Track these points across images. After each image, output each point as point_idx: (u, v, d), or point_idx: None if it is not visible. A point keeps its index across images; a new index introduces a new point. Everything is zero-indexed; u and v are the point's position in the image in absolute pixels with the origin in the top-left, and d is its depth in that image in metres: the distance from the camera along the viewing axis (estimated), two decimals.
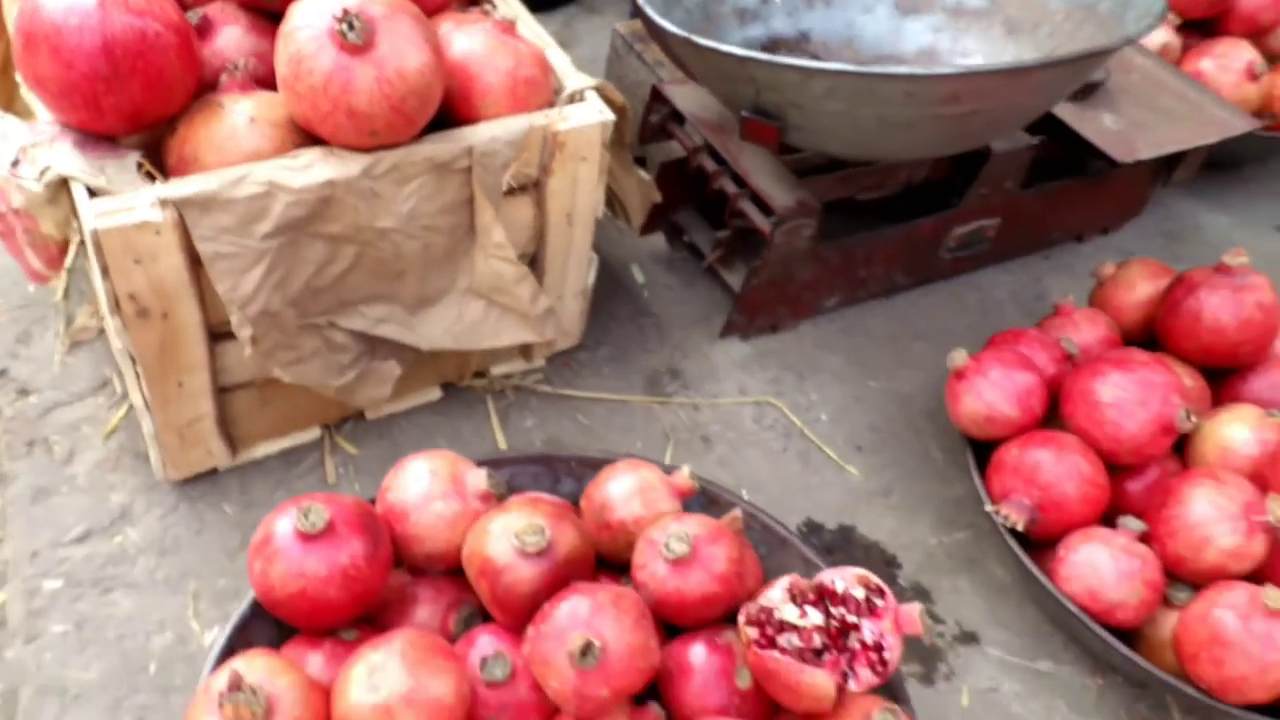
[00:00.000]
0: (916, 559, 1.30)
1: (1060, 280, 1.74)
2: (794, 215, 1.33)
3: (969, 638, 1.23)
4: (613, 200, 1.50)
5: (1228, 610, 0.99)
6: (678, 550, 0.91)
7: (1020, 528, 1.11)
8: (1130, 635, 1.11)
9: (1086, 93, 1.66)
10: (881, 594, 0.91)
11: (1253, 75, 1.80)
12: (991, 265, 1.72)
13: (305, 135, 1.09)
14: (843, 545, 1.30)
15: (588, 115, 1.19)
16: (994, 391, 1.16)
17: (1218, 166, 1.99)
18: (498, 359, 1.41)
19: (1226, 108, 1.70)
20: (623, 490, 1.02)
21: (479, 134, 1.13)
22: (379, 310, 1.21)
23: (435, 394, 1.38)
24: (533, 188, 1.22)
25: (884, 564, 1.29)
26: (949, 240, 1.59)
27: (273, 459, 1.30)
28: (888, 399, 1.49)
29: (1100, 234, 1.83)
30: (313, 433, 1.32)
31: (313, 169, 1.05)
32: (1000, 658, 1.21)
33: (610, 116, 1.20)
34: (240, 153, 1.05)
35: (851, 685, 0.90)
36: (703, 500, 1.09)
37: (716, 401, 1.45)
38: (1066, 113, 1.61)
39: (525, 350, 1.42)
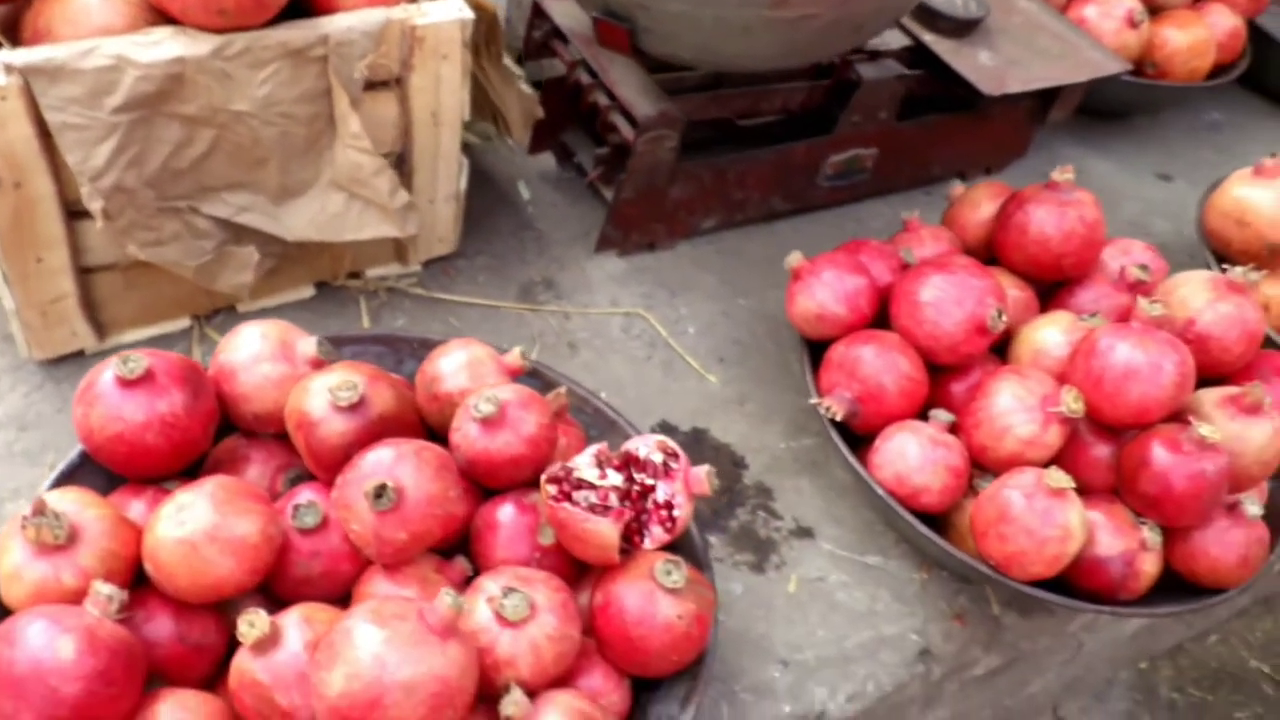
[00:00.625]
0: (764, 461, 1.36)
1: (939, 215, 1.79)
2: (656, 125, 1.37)
3: (804, 533, 1.29)
4: (496, 115, 1.54)
5: (1015, 490, 1.05)
6: (485, 410, 0.96)
7: (839, 418, 1.17)
8: (940, 524, 1.17)
9: (965, 30, 1.71)
10: (676, 458, 0.96)
11: (1132, 23, 1.85)
12: (872, 198, 1.77)
13: (159, 15, 1.12)
14: (693, 445, 1.36)
15: (447, 12, 1.22)
16: (825, 291, 1.21)
17: (1107, 115, 2.05)
18: (373, 261, 1.45)
19: (1102, 51, 1.75)
20: (452, 365, 1.06)
21: (335, 23, 1.17)
22: (242, 198, 1.24)
23: (308, 292, 1.42)
24: (395, 84, 1.26)
25: (732, 464, 1.35)
26: (826, 168, 1.64)
27: (141, 346, 1.32)
28: (755, 316, 1.55)
29: (984, 174, 1.89)
30: (182, 322, 1.35)
31: (162, 45, 1.09)
32: (831, 551, 1.27)
33: (469, 15, 1.24)
34: (92, 27, 1.08)
35: (646, 542, 0.95)
36: (538, 383, 1.14)
37: (587, 311, 1.50)
38: (943, 48, 1.66)
39: (401, 254, 1.46)
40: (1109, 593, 1.08)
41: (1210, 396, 1.13)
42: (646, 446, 0.97)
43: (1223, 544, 1.07)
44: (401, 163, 1.34)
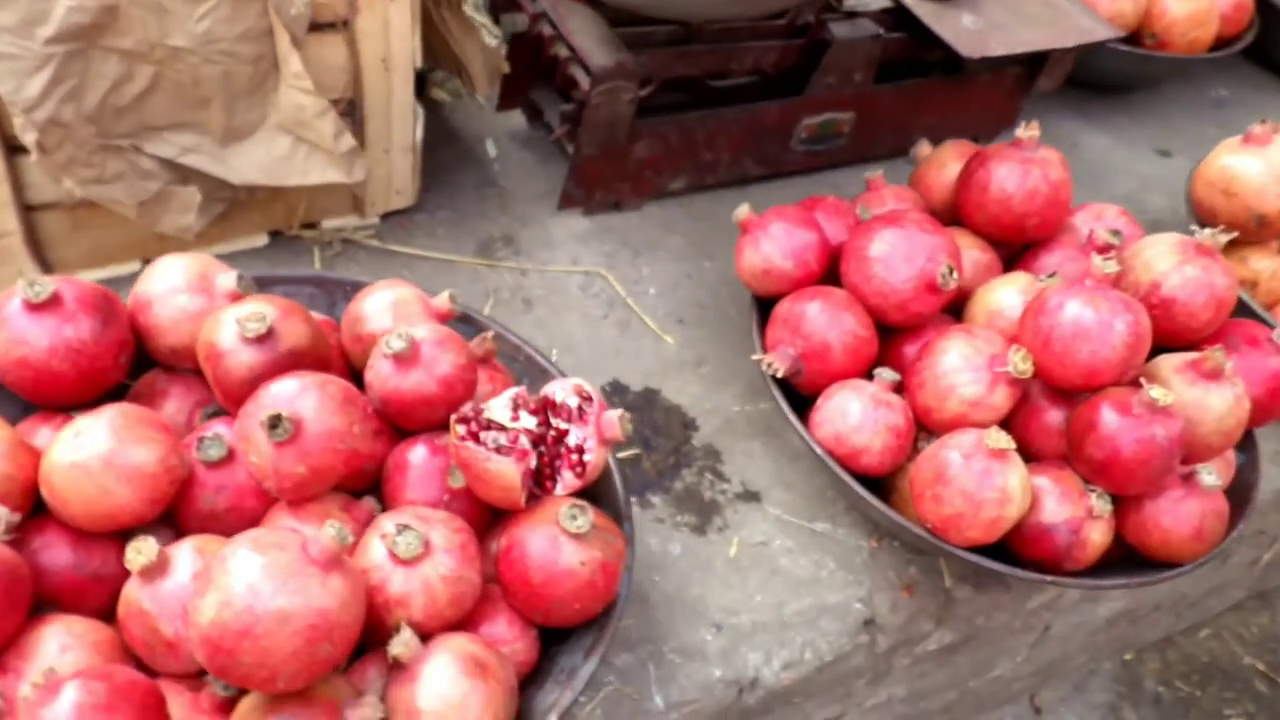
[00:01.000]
0: (715, 424, 1.32)
1: None
2: (611, 76, 1.34)
3: (751, 496, 1.25)
4: (461, 69, 1.51)
5: (954, 450, 1.01)
6: (396, 347, 0.93)
7: (780, 374, 1.13)
8: (884, 488, 1.13)
9: None
10: (590, 401, 0.93)
11: None
12: (851, 164, 1.73)
13: None
14: (644, 406, 1.32)
15: None
16: (771, 245, 1.17)
17: (1106, 88, 1.99)
18: (330, 212, 1.43)
19: (1093, 17, 1.70)
20: (377, 305, 1.04)
21: None
22: (186, 139, 1.22)
23: (261, 240, 1.40)
24: (342, 27, 1.23)
25: (682, 426, 1.31)
26: (800, 131, 1.60)
27: None
28: (720, 279, 1.51)
29: (970, 142, 1.83)
30: (132, 266, 1.34)
31: None
32: (778, 516, 1.24)
33: None
34: None
35: (558, 488, 0.92)
36: (470, 330, 1.11)
37: (546, 268, 1.47)
38: (924, 10, 1.61)
39: (358, 205, 1.44)
40: (1054, 562, 1.04)
41: (1170, 361, 1.08)
42: (563, 390, 0.94)
43: (1175, 515, 1.03)
44: (353, 110, 1.32)
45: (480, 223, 1.51)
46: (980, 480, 0.98)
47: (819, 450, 1.08)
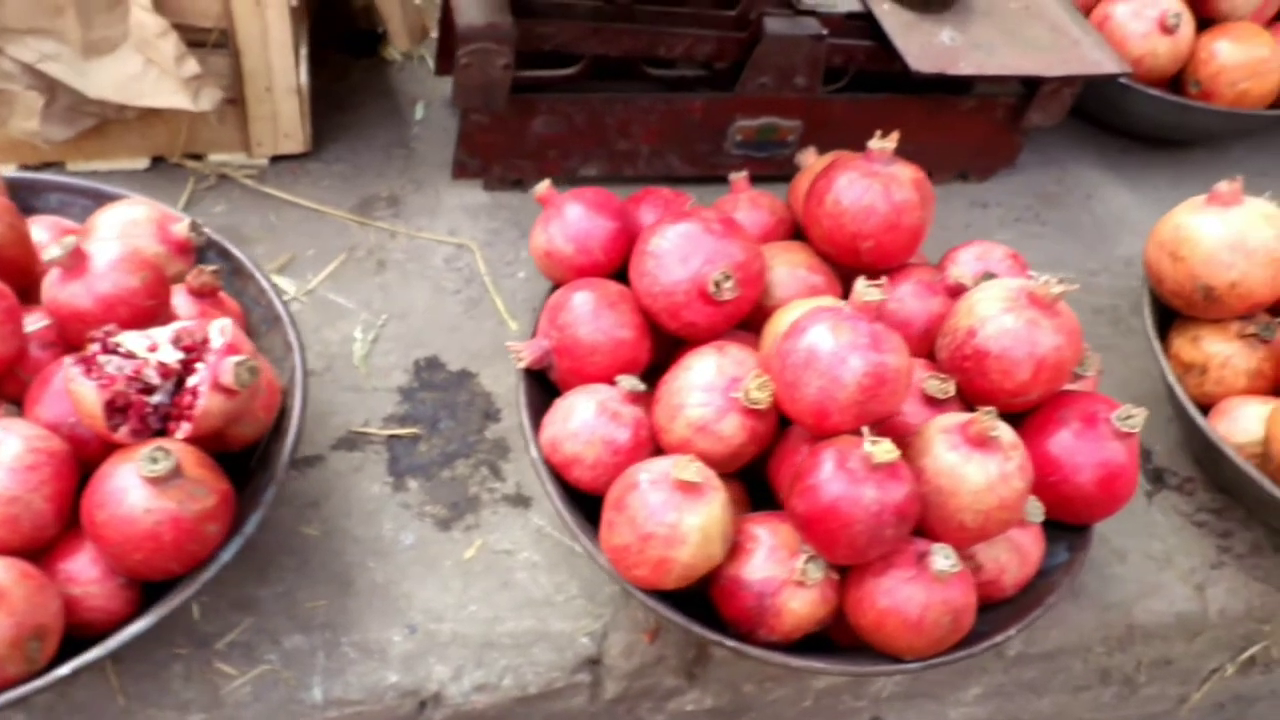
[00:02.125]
0: (517, 420, 1.22)
1: None
2: (478, 37, 1.26)
3: (521, 501, 1.14)
4: (387, 25, 1.47)
5: (643, 474, 0.88)
6: (53, 254, 0.89)
7: (523, 365, 1.02)
8: None
9: (943, 5, 1.49)
10: (223, 336, 0.86)
11: (1165, 27, 1.56)
12: None
13: None
14: (451, 386, 1.24)
15: None
16: (558, 227, 1.06)
17: (1152, 140, 1.74)
18: (218, 146, 1.41)
19: (1104, 50, 1.48)
20: (107, 222, 1.01)
21: None
22: (46, 46, 1.23)
23: (142, 163, 1.40)
24: None
25: (483, 415, 1.22)
26: (734, 132, 1.47)
27: None
28: None
29: (960, 179, 1.64)
30: (7, 171, 1.36)
31: None
32: (540, 527, 1.12)
33: None
34: None
35: (179, 431, 0.86)
36: (227, 264, 1.07)
37: (417, 234, 1.40)
38: (896, 18, 1.45)
39: (247, 144, 1.42)
40: (746, 625, 0.88)
41: (944, 420, 0.90)
42: (217, 329, 0.87)
43: (894, 598, 0.85)
44: (226, 41, 1.29)
45: (375, 181, 1.46)
46: (652, 513, 0.85)
47: (534, 452, 0.97)
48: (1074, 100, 1.53)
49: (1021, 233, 1.60)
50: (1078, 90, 1.51)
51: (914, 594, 0.84)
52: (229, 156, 1.43)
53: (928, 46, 1.43)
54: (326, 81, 1.58)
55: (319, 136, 1.49)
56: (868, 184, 1.04)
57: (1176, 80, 1.64)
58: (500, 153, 1.42)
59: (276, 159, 1.45)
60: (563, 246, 1.06)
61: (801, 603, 0.87)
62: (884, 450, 0.82)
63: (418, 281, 1.35)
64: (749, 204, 1.18)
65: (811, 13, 1.48)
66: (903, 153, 1.54)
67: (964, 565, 0.87)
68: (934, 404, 0.97)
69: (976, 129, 1.56)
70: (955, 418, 0.89)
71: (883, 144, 1.05)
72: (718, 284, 0.97)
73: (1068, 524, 1.01)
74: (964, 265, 1.12)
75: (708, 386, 0.92)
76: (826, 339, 0.86)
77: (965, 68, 1.42)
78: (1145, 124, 1.70)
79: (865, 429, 0.83)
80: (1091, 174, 1.72)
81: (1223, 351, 1.21)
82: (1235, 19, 1.63)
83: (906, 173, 1.05)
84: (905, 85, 1.49)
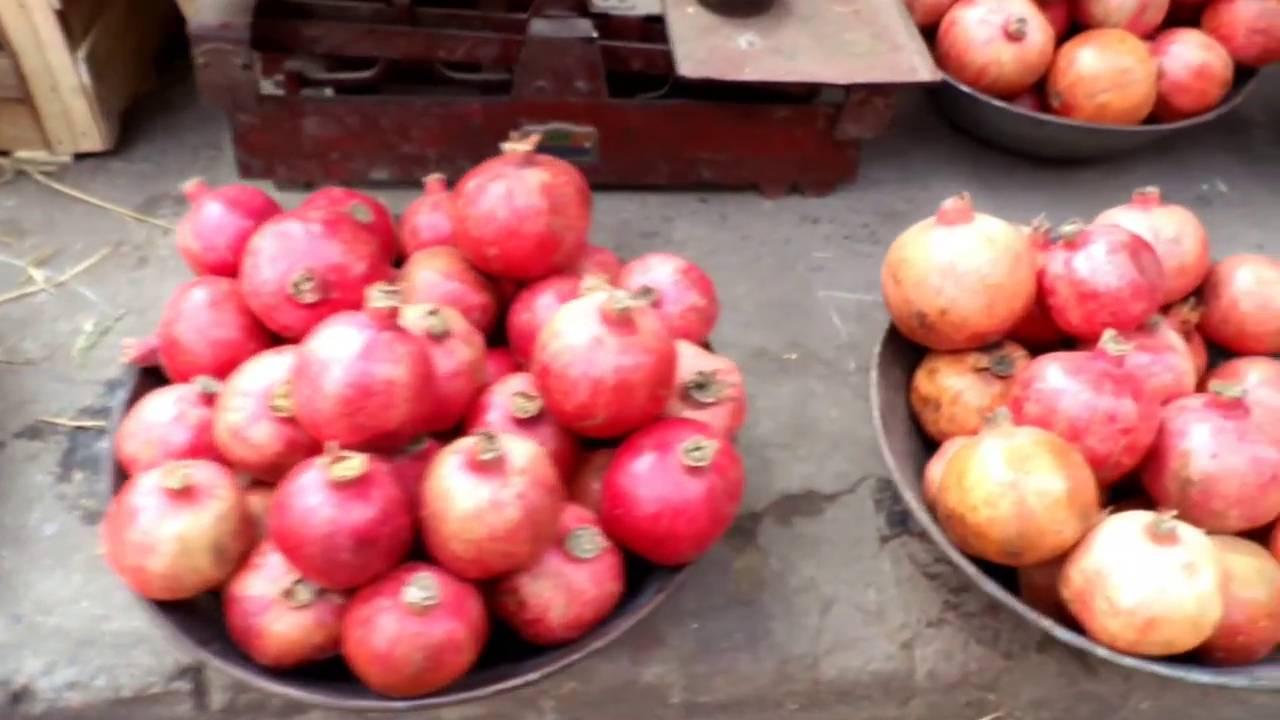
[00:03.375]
0: None
1: (695, 227, 1.49)
2: (212, 38, 1.25)
3: None
4: None
5: (143, 478, 0.84)
6: None
7: (128, 360, 1.01)
8: None
9: (754, 9, 1.41)
10: None
11: (1010, 35, 1.42)
12: (615, 190, 1.51)
13: None
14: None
15: None
16: (191, 225, 1.04)
17: (1036, 160, 1.60)
18: (22, 143, 1.46)
19: (924, 57, 1.37)
20: None
21: None
22: None
23: None
24: None
25: None
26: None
27: None
28: None
29: (793, 193, 1.54)
30: None
31: None
32: None
33: None
34: None
35: None
36: None
37: None
38: (693, 20, 1.38)
39: (47, 141, 1.46)
40: (242, 645, 0.84)
41: (462, 442, 0.83)
42: None
43: (366, 627, 0.78)
44: (3, 44, 1.34)
45: (172, 180, 1.48)
46: (133, 521, 0.81)
47: (105, 447, 0.95)
48: (892, 112, 1.41)
49: (847, 251, 1.48)
50: (894, 101, 1.40)
51: (385, 625, 0.78)
52: (34, 154, 1.47)
53: (716, 51, 1.35)
54: (168, 84, 1.62)
55: (134, 136, 1.52)
56: (491, 188, 0.98)
57: (1043, 92, 1.50)
58: (281, 154, 1.42)
59: (82, 156, 1.48)
60: (192, 244, 1.04)
61: (288, 625, 0.82)
62: (344, 467, 0.76)
63: (174, 278, 1.35)
64: (431, 208, 1.14)
65: (604, 15, 1.42)
66: (722, 162, 1.48)
67: (454, 596, 0.80)
68: (522, 424, 0.91)
69: (801, 141, 1.46)
70: (471, 441, 0.82)
71: (516, 146, 0.99)
72: (297, 286, 0.93)
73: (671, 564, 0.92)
74: (631, 277, 1.05)
75: (248, 391, 0.88)
76: (324, 345, 0.81)
77: (750, 74, 1.33)
78: (1009, 139, 1.56)
79: (331, 445, 0.78)
80: (955, 188, 1.58)
81: (954, 386, 1.09)
82: (1109, 26, 1.47)
83: (536, 177, 0.98)
84: (728, 94, 1.40)
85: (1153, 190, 1.15)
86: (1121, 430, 0.95)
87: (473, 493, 0.79)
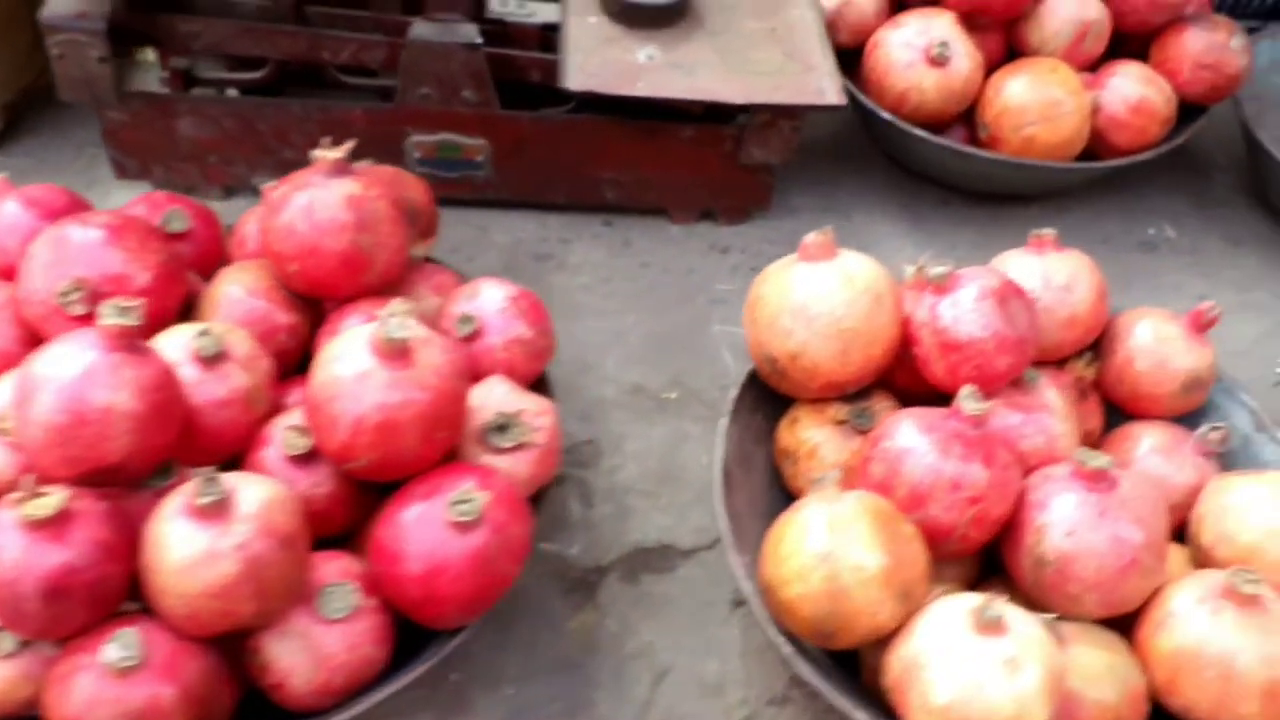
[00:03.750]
0: None
1: (594, 251, 1.40)
2: (66, 28, 1.19)
3: None
4: None
5: None
6: None
7: None
8: None
9: (659, 22, 1.32)
10: None
11: (932, 60, 1.32)
12: (515, 208, 1.43)
13: None
14: None
15: None
16: None
17: (972, 195, 1.50)
18: None
19: (834, 79, 1.27)
20: None
21: None
22: None
23: None
24: None
25: None
26: (412, 149, 1.34)
27: None
28: None
29: (705, 219, 1.45)
30: None
31: None
32: None
33: None
34: None
35: None
36: None
37: None
38: (594, 31, 1.30)
39: None
40: None
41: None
42: None
43: (60, 688, 0.70)
44: None
45: (48, 176, 1.40)
46: None
47: None
48: (799, 136, 1.32)
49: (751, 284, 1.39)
50: (800, 125, 1.30)
51: (80, 686, 0.69)
52: None
53: (611, 64, 1.27)
54: None
55: (20, 130, 1.47)
56: (294, 199, 0.90)
57: (974, 123, 1.40)
58: (156, 154, 1.35)
59: None
60: None
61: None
62: (37, 505, 0.68)
63: None
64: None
65: (500, 22, 1.34)
66: (629, 183, 1.39)
67: (168, 656, 0.71)
68: (296, 461, 0.82)
69: (709, 164, 1.37)
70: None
71: (326, 153, 0.91)
72: (64, 296, 0.85)
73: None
74: (456, 303, 0.96)
75: None
76: (42, 365, 0.73)
77: (642, 89, 1.24)
78: (936, 170, 1.46)
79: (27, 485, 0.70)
80: (881, 226, 1.48)
81: (812, 439, 0.99)
82: (1045, 54, 1.37)
83: (342, 189, 0.90)
84: (633, 111, 1.31)
85: (1049, 232, 1.04)
86: (968, 499, 0.85)
87: (187, 542, 0.70)
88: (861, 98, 1.39)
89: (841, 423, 0.98)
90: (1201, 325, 1.02)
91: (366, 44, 1.30)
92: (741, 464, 1.01)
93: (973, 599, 0.79)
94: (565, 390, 1.24)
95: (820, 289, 0.94)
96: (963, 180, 1.46)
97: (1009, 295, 0.92)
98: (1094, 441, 1.05)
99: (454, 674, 0.99)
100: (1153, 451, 1.00)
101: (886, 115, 1.36)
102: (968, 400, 0.87)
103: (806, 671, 0.83)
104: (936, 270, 0.95)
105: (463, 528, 0.77)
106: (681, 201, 1.42)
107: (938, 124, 1.38)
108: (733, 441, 1.00)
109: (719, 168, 1.37)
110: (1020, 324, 0.92)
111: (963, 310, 0.92)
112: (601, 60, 1.27)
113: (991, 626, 0.77)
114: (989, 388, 0.93)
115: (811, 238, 0.97)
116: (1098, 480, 0.86)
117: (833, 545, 0.80)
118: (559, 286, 1.36)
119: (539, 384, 1.01)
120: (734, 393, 1.03)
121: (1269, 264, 1.48)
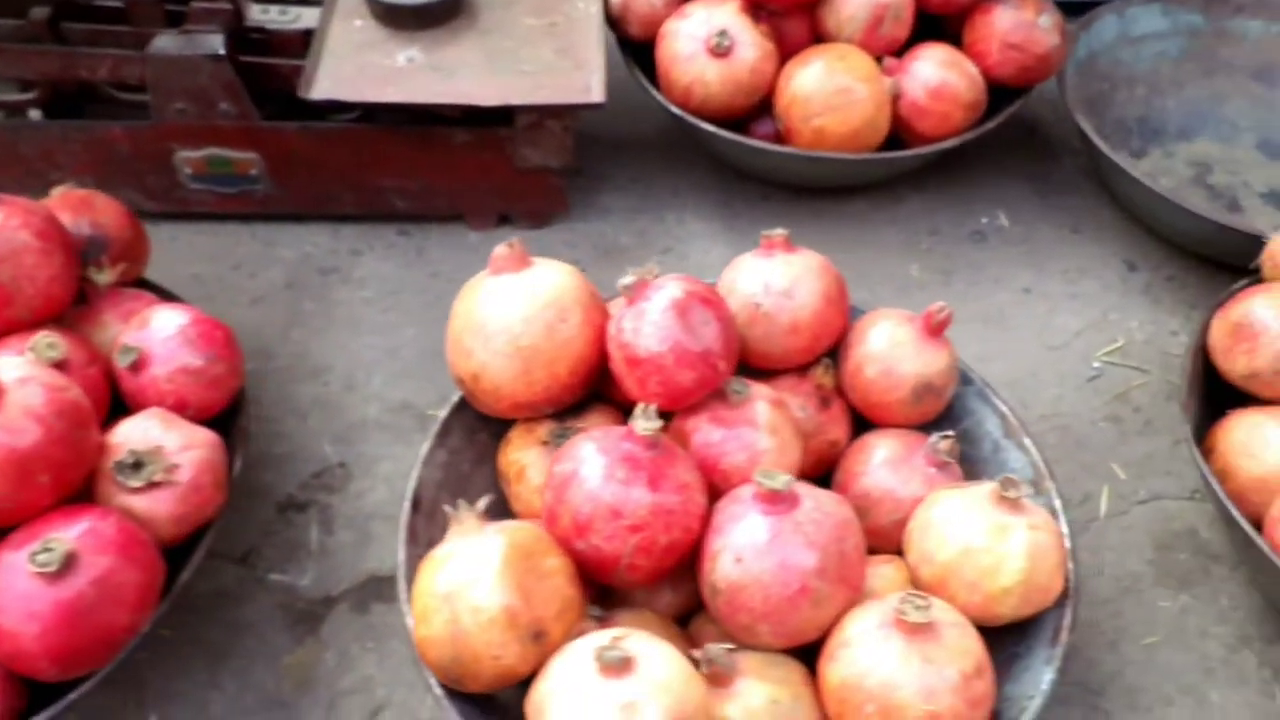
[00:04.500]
0: None
1: (383, 263, 1.35)
2: None
3: None
4: None
5: None
6: None
7: None
8: None
9: (426, 22, 1.27)
10: None
11: (713, 51, 1.26)
12: (305, 221, 1.38)
13: None
14: None
15: None
16: None
17: (798, 191, 1.43)
18: None
19: (599, 77, 1.21)
20: None
21: None
22: None
23: None
24: None
25: None
26: (183, 165, 1.30)
27: None
28: None
29: (505, 224, 1.39)
30: None
31: None
32: None
33: None
34: None
35: None
36: None
37: None
38: (357, 35, 1.25)
39: None
40: None
41: None
42: None
43: None
44: None
45: None
46: None
47: None
48: (570, 136, 1.26)
49: None
50: (570, 124, 1.25)
51: None
52: None
53: (366, 70, 1.22)
54: None
55: None
56: None
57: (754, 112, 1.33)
58: None
59: None
60: None
61: None
62: None
63: None
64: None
65: (262, 29, 1.29)
66: (418, 192, 1.34)
67: None
68: None
69: (493, 168, 1.31)
70: None
71: None
72: None
73: None
74: (129, 331, 0.92)
75: None
76: None
77: (392, 95, 1.19)
78: (744, 166, 1.40)
79: None
80: (693, 224, 1.42)
81: (520, 460, 0.94)
82: (841, 40, 1.30)
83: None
84: (420, 117, 1.26)
85: (779, 233, 0.98)
86: (628, 527, 0.79)
87: None
88: (654, 93, 1.33)
89: (546, 443, 0.93)
90: (933, 328, 0.95)
91: (122, 60, 1.26)
92: (455, 489, 0.96)
93: (602, 637, 0.73)
94: (326, 411, 1.20)
95: (499, 306, 0.88)
96: (772, 175, 1.39)
97: (690, 305, 0.86)
98: (839, 453, 0.99)
99: (153, 714, 0.94)
100: (883, 464, 0.93)
101: (676, 110, 1.30)
102: (639, 419, 0.82)
103: (452, 715, 0.78)
104: (625, 279, 0.89)
105: (49, 579, 0.72)
106: (476, 207, 1.37)
107: (732, 117, 1.32)
108: (436, 466, 0.95)
109: (505, 172, 1.32)
110: (704, 336, 0.86)
111: (644, 322, 0.86)
112: (356, 66, 1.22)
113: (614, 668, 0.71)
114: (681, 402, 0.88)
115: (500, 250, 0.91)
116: (775, 502, 0.80)
117: (454, 586, 0.74)
118: (342, 300, 1.31)
119: (231, 412, 0.96)
120: (443, 413, 0.98)
121: (1104, 253, 1.41)
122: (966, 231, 1.43)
